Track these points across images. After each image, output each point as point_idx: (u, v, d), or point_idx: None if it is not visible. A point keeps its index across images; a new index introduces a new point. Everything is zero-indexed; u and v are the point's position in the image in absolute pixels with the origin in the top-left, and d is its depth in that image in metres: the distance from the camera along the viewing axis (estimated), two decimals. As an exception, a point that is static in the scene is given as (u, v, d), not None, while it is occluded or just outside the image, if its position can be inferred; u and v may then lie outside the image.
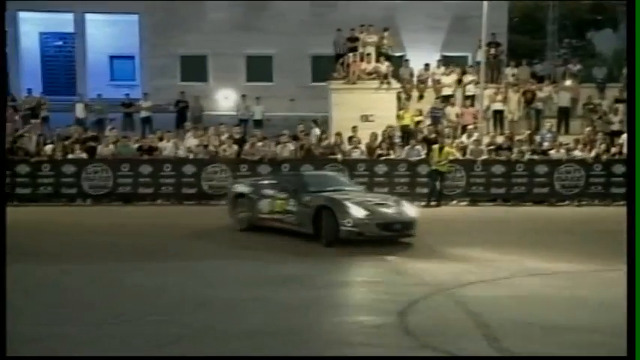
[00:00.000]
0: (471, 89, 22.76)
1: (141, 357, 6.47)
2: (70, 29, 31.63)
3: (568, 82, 23.26)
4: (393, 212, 12.76)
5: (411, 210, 13.07)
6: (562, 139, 20.48)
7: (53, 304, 8.72)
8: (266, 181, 14.82)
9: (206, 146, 19.16)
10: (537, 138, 20.32)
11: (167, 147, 19.07)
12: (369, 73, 22.49)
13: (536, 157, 19.43)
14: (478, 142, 19.72)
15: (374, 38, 23.32)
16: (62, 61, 32.41)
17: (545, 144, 19.97)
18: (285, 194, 13.40)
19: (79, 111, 23.12)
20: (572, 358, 6.78)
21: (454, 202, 18.83)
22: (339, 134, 19.72)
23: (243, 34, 30.29)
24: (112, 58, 32.67)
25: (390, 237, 12.61)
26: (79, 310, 8.44)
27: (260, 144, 19.23)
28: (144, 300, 8.92)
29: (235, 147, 19.21)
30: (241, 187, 14.70)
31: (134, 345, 7.08)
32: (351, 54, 22.78)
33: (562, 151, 19.55)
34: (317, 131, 20.26)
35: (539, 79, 24.02)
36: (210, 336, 7.49)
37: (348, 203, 12.49)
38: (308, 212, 12.70)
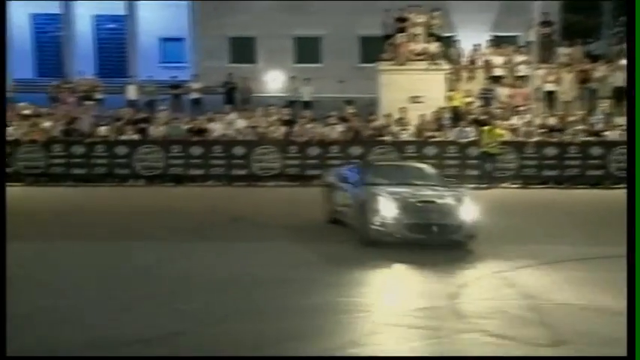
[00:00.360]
0: (522, 70, 22.35)
1: (143, 357, 6.45)
2: (123, 12, 32.03)
3: (624, 61, 22.66)
4: (434, 212, 11.03)
5: (467, 213, 11.08)
6: (617, 120, 20.02)
7: (99, 282, 8.97)
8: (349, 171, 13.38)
9: (255, 128, 19.25)
10: (591, 119, 19.90)
11: (217, 128, 19.23)
12: (418, 54, 22.23)
13: (590, 138, 19.05)
14: (529, 123, 19.42)
15: (423, 18, 23.01)
16: (115, 44, 32.87)
17: (600, 125, 19.56)
18: (348, 186, 12.34)
19: (131, 93, 23.46)
20: (573, 358, 6.70)
21: (505, 184, 18.59)
22: (388, 116, 19.62)
23: (292, 16, 30.29)
24: (162, 40, 33.01)
25: (424, 241, 10.85)
26: (122, 288, 8.67)
27: (309, 125, 19.25)
28: (192, 280, 9.07)
29: (284, 128, 19.27)
30: (330, 177, 13.65)
31: (184, 323, 7.21)
32: (400, 35, 22.56)
33: (617, 132, 19.11)
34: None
35: (594, 58, 23.45)
36: (259, 314, 7.60)
37: (381, 198, 11.09)
38: (355, 207, 11.69)
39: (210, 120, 19.69)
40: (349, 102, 20.92)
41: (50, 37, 32.51)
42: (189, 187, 17.82)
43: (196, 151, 18.46)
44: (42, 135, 18.43)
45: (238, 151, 18.48)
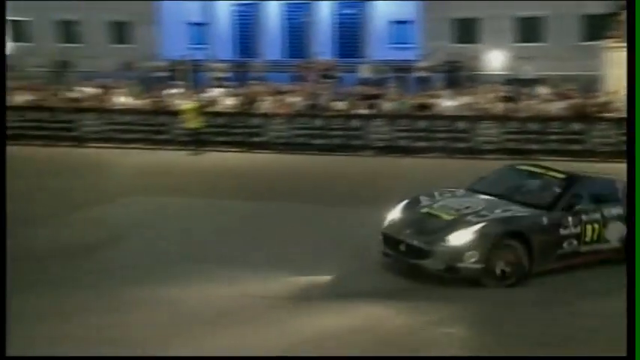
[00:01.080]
0: None
1: (142, 357, 6.18)
2: (359, -2, 32.66)
3: None
4: (418, 228, 8.41)
5: (461, 240, 7.97)
6: None
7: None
8: None
9: (477, 104, 18.72)
10: None
11: (440, 104, 18.98)
12: (646, 31, 20.18)
13: None
14: None
15: (653, -5, 20.82)
16: (350, 28, 33.50)
17: None
18: None
19: (364, 71, 23.90)
20: (573, 358, 6.19)
21: None
22: (612, 93, 18.12)
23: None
24: (391, 23, 33.10)
25: (396, 260, 8.57)
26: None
27: (529, 102, 18.35)
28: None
29: (505, 105, 18.53)
30: None
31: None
32: (625, 11, 20.62)
33: None
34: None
35: None
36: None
37: (400, 204, 9.05)
38: None
39: (435, 96, 19.46)
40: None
41: (296, 23, 33.90)
42: (415, 158, 17.73)
43: (422, 124, 18.32)
44: (288, 109, 19.29)
45: (461, 125, 18.06)
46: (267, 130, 18.88)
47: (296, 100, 19.68)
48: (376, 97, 19.92)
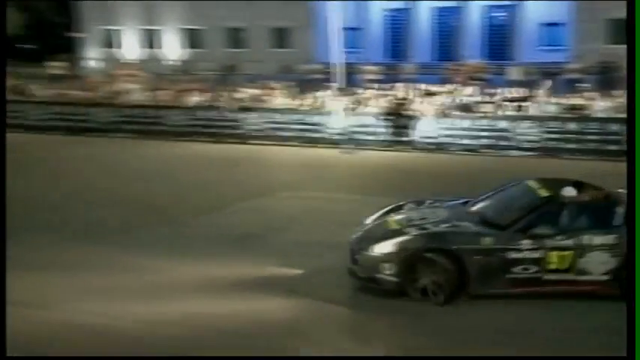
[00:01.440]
0: None
1: (141, 357, 6.10)
2: (509, 1, 31.59)
3: None
4: (363, 234, 8.15)
5: (379, 249, 7.61)
6: None
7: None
8: None
9: (632, 106, 17.56)
10: None
11: (593, 106, 18.03)
12: None
13: None
14: None
15: None
16: (502, 30, 32.57)
17: None
18: None
19: (513, 73, 23.18)
20: (572, 358, 6.08)
21: None
22: None
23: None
24: (541, 25, 31.79)
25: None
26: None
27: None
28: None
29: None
30: None
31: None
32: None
33: None
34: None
35: None
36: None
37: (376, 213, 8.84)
38: None
39: (586, 98, 18.53)
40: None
41: (446, 26, 33.47)
42: (563, 160, 16.94)
43: (572, 126, 17.49)
44: (437, 110, 19.09)
45: (613, 127, 17.03)
46: (415, 130, 18.82)
47: (445, 102, 19.47)
48: (525, 99, 19.28)
